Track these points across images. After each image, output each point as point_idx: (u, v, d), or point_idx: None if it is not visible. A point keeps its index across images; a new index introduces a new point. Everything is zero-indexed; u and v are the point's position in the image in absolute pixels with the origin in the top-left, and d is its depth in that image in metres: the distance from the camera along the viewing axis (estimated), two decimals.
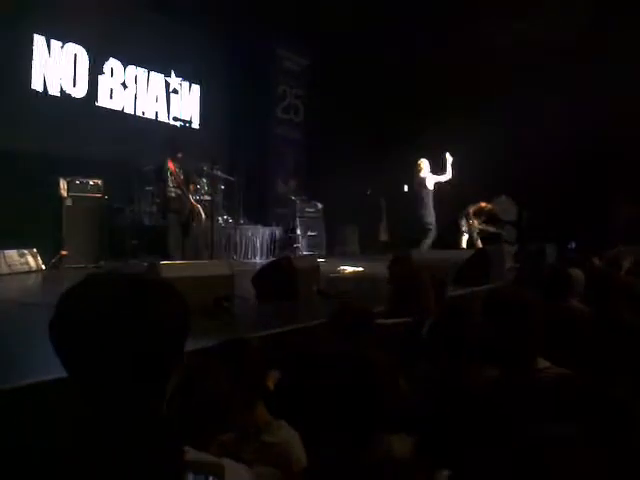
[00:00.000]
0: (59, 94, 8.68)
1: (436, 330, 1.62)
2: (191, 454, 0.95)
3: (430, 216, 8.98)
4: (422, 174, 9.08)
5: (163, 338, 1.00)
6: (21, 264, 6.92)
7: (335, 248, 11.49)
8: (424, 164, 9.11)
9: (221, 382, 1.63)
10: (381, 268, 6.56)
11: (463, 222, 10.14)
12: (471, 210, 10.16)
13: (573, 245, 9.82)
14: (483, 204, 10.27)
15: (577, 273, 2.96)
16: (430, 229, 8.94)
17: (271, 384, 1.77)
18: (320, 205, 11.17)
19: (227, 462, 1.06)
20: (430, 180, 9.07)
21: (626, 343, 1.65)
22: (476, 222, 10.14)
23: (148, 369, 0.98)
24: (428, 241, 8.91)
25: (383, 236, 12.00)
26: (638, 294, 2.21)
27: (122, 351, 0.95)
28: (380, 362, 1.49)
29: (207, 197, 8.27)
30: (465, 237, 9.96)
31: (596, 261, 6.63)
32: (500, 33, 9.26)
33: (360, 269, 8.16)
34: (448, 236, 9.62)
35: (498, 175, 10.10)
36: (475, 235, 10.02)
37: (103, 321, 0.96)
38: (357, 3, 10.27)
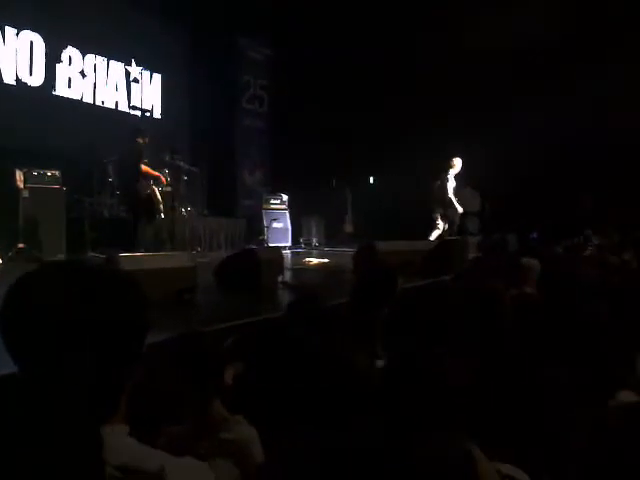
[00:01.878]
0: (15, 82, 8.42)
1: (389, 321, 1.63)
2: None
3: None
4: (453, 171, 9.52)
5: (118, 331, 0.95)
6: None
7: (300, 240, 11.47)
8: (457, 162, 9.51)
9: (174, 376, 1.60)
10: (346, 259, 6.59)
11: (439, 219, 10.24)
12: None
13: (535, 235, 10.00)
14: None
15: (532, 262, 3.02)
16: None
17: (229, 378, 1.74)
18: (285, 196, 11.13)
19: (184, 461, 1.03)
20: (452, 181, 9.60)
21: (572, 330, 1.68)
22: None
23: (101, 364, 0.93)
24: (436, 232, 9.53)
25: (348, 228, 12.03)
26: (588, 282, 2.26)
27: (72, 344, 0.90)
28: (342, 354, 1.48)
29: (168, 188, 8.14)
30: (437, 232, 10.06)
31: (558, 249, 6.76)
32: (468, 28, 9.31)
33: (325, 260, 8.17)
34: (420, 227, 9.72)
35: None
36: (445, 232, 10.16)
37: (53, 311, 0.91)
38: None
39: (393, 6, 10.22)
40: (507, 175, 9.96)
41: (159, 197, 7.57)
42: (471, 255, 7.28)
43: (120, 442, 0.92)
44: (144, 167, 7.31)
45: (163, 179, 7.62)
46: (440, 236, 9.91)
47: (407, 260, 5.48)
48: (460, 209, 9.59)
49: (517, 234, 8.62)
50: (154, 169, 7.65)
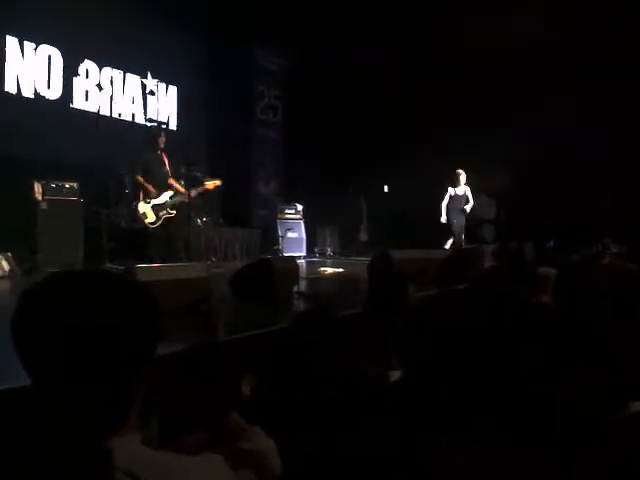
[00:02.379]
0: (33, 96, 8.56)
1: (404, 330, 1.62)
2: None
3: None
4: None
5: (129, 338, 0.95)
6: None
7: (315, 249, 11.48)
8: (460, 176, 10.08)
9: (190, 386, 1.60)
10: (361, 269, 6.57)
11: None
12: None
13: (552, 243, 9.91)
14: None
15: (549, 270, 3.00)
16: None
17: (246, 389, 1.74)
18: (300, 206, 11.15)
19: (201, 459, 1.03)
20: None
21: (588, 339, 1.67)
22: None
23: (112, 372, 0.93)
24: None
25: (363, 236, 12.02)
26: (605, 290, 2.23)
27: (82, 352, 0.90)
28: (350, 364, 1.48)
29: (185, 199, 8.18)
30: (452, 240, 10.05)
31: (575, 258, 6.68)
32: (482, 36, 9.28)
33: (340, 270, 8.16)
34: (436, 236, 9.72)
35: (478, 173, 10.17)
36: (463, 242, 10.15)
37: (62, 319, 0.91)
38: (336, 2, 10.27)
39: (404, 13, 10.24)
40: (523, 183, 9.90)
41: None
42: (487, 264, 7.23)
43: (132, 450, 0.92)
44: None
45: (181, 189, 7.65)
46: (454, 245, 9.88)
47: (422, 269, 5.45)
48: (444, 219, 10.00)
49: (534, 242, 8.55)
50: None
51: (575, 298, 2.22)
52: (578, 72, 9.25)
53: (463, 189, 10.14)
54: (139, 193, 7.44)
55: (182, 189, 7.56)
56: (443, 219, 10.02)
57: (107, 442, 0.83)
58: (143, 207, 7.28)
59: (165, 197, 7.34)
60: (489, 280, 2.69)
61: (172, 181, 7.55)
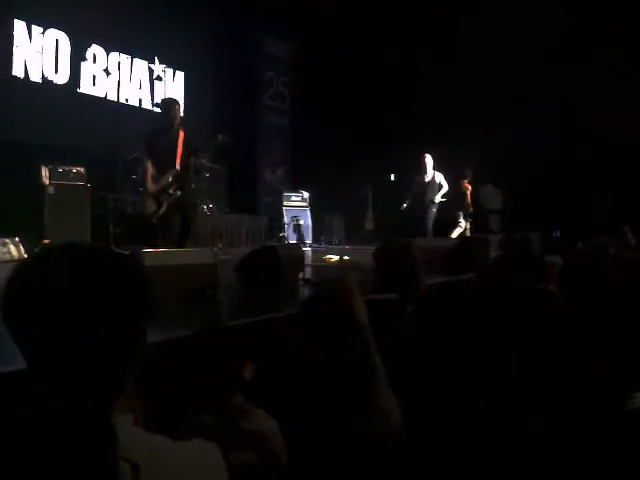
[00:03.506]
0: (41, 80, 8.56)
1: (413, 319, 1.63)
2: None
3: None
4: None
5: (123, 313, 0.94)
6: (3, 253, 6.82)
7: (321, 237, 11.47)
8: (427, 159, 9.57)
9: (193, 370, 1.62)
10: (367, 257, 6.54)
11: (461, 217, 10.13)
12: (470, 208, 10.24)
13: (558, 233, 9.87)
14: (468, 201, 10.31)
15: (555, 259, 3.00)
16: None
17: (249, 374, 1.76)
18: (306, 194, 11.14)
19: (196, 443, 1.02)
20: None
21: (590, 328, 1.67)
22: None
23: (105, 350, 0.91)
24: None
25: (369, 225, 12.00)
26: (608, 278, 2.23)
27: (74, 329, 0.88)
28: (355, 353, 1.49)
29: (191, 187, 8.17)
30: (459, 230, 9.96)
31: (580, 247, 6.66)
32: (497, 31, 9.21)
33: (346, 258, 8.15)
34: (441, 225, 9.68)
35: (483, 163, 10.12)
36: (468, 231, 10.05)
37: (53, 297, 0.89)
38: None
39: (422, 6, 10.14)
40: (530, 172, 9.85)
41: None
42: (493, 253, 7.22)
43: (123, 430, 0.90)
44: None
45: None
46: (462, 234, 9.84)
47: (428, 257, 5.44)
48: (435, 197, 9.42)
49: (540, 232, 8.52)
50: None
51: (580, 288, 2.22)
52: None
53: (432, 175, 9.58)
54: (146, 176, 6.46)
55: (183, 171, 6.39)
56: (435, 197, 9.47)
57: (109, 420, 0.82)
58: (145, 196, 6.53)
59: (167, 178, 6.30)
60: (495, 270, 2.69)
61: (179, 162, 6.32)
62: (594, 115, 8.96)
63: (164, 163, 6.29)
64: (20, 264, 0.94)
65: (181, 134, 6.35)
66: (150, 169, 6.34)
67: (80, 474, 0.74)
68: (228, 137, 7.82)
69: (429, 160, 9.54)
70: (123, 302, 0.94)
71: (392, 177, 12.32)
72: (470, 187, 10.19)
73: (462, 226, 10.07)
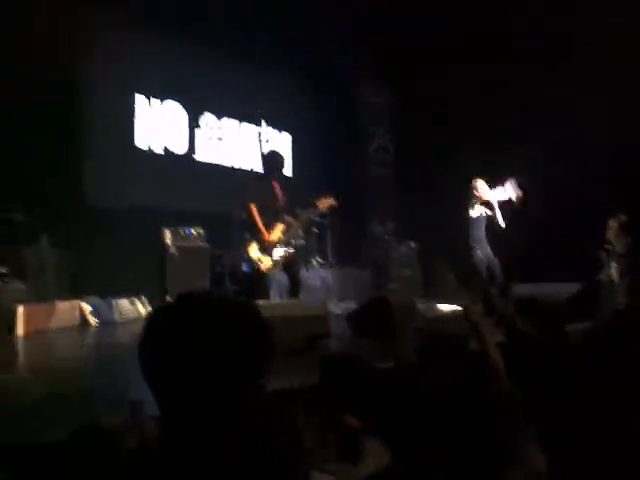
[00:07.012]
0: (163, 152, 9.22)
1: None
2: None
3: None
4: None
5: (245, 360, 0.97)
6: (131, 312, 7.32)
7: (431, 288, 11.22)
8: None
9: (300, 421, 1.63)
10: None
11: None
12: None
13: None
14: None
15: None
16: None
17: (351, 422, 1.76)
18: (414, 244, 11.03)
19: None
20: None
21: None
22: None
23: (226, 392, 0.94)
24: None
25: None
26: None
27: (201, 377, 0.92)
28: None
29: (301, 241, 8.39)
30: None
31: None
32: None
33: (458, 308, 7.92)
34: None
35: None
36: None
37: (183, 339, 0.92)
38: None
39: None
40: None
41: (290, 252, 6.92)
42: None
43: None
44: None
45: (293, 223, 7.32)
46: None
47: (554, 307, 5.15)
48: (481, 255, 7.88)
49: None
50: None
51: None
52: None
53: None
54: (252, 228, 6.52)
55: (294, 221, 6.68)
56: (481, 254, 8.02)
57: None
58: (254, 252, 6.48)
59: (277, 234, 6.50)
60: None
61: (283, 215, 6.61)
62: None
63: (268, 216, 6.48)
64: (153, 311, 1.01)
65: (278, 189, 6.63)
66: (257, 222, 6.45)
67: None
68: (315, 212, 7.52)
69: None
70: (251, 344, 0.99)
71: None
72: None
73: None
